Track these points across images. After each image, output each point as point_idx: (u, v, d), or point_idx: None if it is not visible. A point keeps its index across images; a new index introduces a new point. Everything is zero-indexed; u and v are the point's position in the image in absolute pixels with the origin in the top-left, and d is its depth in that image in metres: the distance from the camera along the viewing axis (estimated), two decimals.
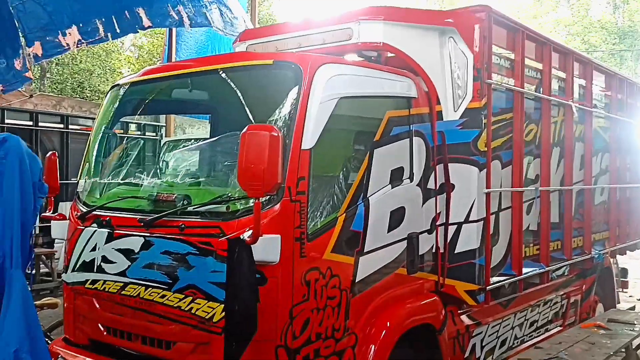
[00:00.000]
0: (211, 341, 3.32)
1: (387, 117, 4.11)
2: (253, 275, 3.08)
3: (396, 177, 4.16)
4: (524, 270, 5.33)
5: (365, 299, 3.83)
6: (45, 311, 5.74)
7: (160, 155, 4.85)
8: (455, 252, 4.59)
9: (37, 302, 5.63)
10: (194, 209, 3.57)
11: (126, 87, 4.35)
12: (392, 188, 4.09)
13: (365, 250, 3.82)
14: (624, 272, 8.43)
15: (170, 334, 3.57)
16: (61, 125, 11.49)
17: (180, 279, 3.50)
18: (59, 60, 22.24)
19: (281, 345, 3.33)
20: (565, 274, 6.19)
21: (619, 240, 7.67)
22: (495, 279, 4.90)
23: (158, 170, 4.40)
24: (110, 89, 4.55)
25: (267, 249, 3.25)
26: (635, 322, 4.91)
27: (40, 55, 11.32)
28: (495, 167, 4.96)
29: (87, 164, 4.43)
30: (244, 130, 3.05)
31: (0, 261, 3.63)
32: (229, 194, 3.49)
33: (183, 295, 3.47)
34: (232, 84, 3.84)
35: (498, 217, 5.04)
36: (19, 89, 12.73)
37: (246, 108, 3.61)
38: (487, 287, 4.70)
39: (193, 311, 3.43)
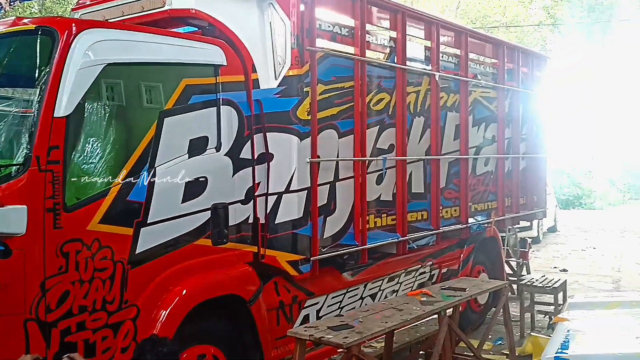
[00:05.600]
0: None
1: (184, 85, 4.00)
2: None
3: (197, 147, 4.06)
4: (373, 240, 5.29)
5: (150, 270, 3.75)
6: None
7: None
8: (276, 222, 4.53)
9: None
10: None
11: None
12: (189, 158, 3.99)
13: (148, 221, 3.74)
14: (522, 243, 8.44)
15: None
16: None
17: None
18: None
19: (32, 319, 3.24)
20: (432, 244, 6.16)
21: (509, 210, 7.65)
22: (328, 249, 4.86)
23: None
24: None
25: (10, 220, 3.15)
26: (467, 289, 4.86)
27: None
28: (328, 136, 4.88)
29: None
30: None
31: None
32: None
33: None
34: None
35: (334, 187, 4.97)
36: None
37: (9, 76, 3.50)
38: (313, 258, 4.65)
39: None
